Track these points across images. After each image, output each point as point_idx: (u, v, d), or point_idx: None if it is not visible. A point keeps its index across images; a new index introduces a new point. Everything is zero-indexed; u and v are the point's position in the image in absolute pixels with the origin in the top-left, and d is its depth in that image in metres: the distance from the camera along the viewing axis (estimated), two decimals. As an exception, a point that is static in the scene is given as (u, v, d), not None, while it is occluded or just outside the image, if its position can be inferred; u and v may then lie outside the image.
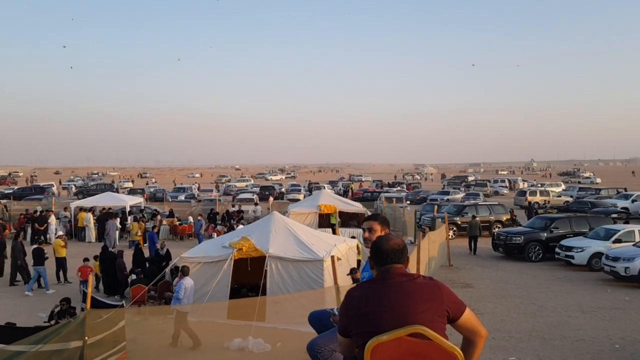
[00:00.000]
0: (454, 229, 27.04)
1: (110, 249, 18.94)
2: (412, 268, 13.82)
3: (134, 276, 15.87)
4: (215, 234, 25.27)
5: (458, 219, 27.67)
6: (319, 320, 4.55)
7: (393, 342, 2.69)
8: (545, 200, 43.05)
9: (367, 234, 4.12)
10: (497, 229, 25.77)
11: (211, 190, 58.00)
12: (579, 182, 74.47)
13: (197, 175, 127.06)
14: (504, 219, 28.46)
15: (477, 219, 24.91)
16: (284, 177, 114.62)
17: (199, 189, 60.89)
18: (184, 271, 12.06)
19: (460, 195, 48.40)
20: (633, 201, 37.61)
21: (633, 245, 18.17)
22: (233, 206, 35.31)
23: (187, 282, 11.84)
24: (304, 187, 62.15)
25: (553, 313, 13.63)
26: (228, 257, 12.95)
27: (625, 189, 45.65)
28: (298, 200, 42.14)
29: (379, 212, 36.60)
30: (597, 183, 74.51)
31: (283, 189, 59.92)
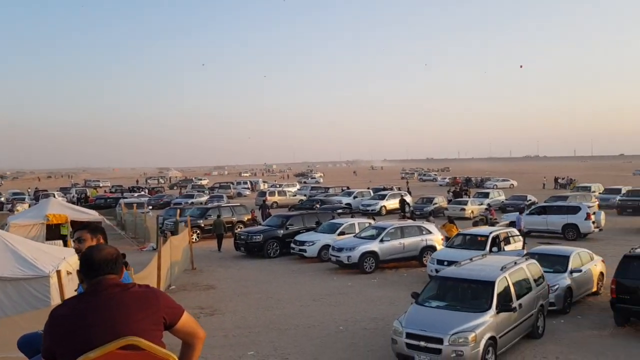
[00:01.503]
0: (198, 232, 27.11)
1: None
2: (152, 275, 13.35)
3: None
4: None
5: (202, 221, 27.84)
6: (29, 344, 4.02)
7: (102, 359, 2.54)
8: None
9: (76, 245, 3.84)
10: (239, 229, 26.64)
11: None
12: (305, 183, 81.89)
13: None
14: (246, 219, 29.60)
15: (221, 218, 25.88)
16: None
17: None
18: None
19: (205, 198, 48.83)
20: (354, 197, 43.05)
21: (354, 236, 20.67)
22: None
23: None
24: (29, 195, 55.26)
25: (288, 304, 14.63)
26: None
27: (348, 187, 51.89)
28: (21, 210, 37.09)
29: (119, 219, 34.74)
30: (320, 183, 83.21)
31: (2, 198, 52.17)
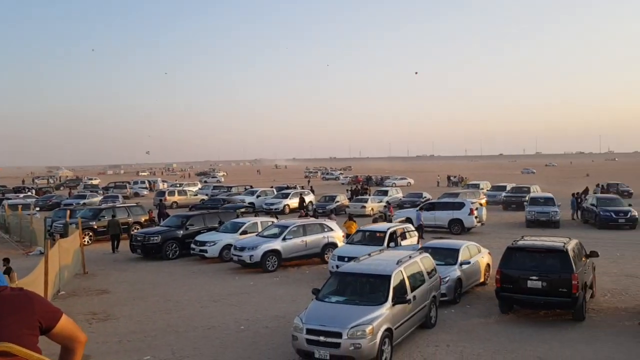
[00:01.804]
0: (91, 234, 25.67)
1: None
2: (39, 280, 12.47)
3: None
4: None
5: (94, 223, 26.38)
6: None
7: None
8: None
9: None
10: (135, 230, 25.54)
11: None
12: (206, 182, 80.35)
13: None
14: (143, 219, 28.45)
15: (116, 218, 24.89)
16: None
17: None
18: None
19: (98, 198, 46.39)
20: (258, 196, 42.86)
21: (256, 235, 20.51)
22: None
23: None
24: None
25: (188, 306, 14.23)
26: None
27: (251, 186, 51.54)
28: None
29: (2, 222, 32.02)
30: (222, 182, 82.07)
31: None
